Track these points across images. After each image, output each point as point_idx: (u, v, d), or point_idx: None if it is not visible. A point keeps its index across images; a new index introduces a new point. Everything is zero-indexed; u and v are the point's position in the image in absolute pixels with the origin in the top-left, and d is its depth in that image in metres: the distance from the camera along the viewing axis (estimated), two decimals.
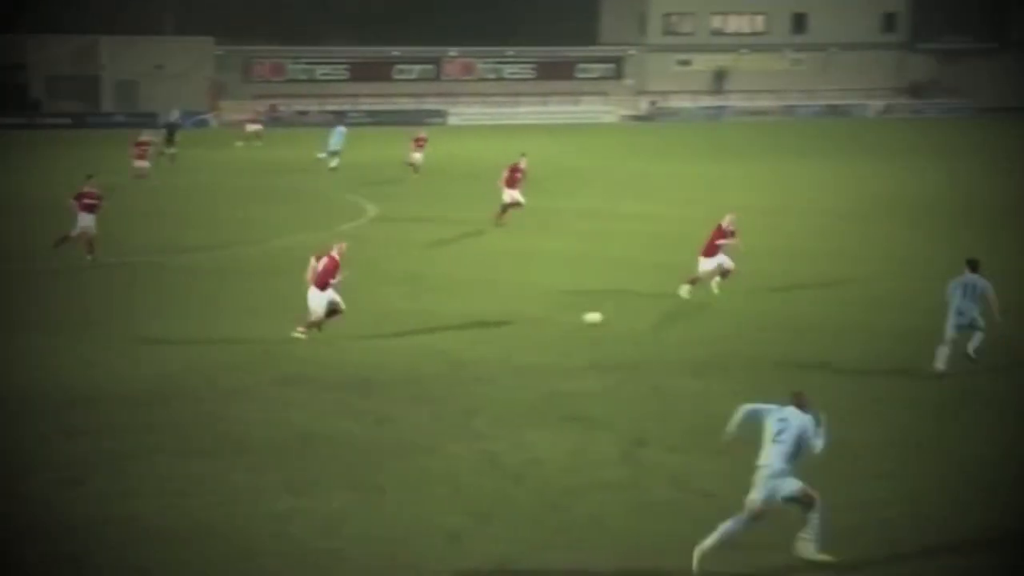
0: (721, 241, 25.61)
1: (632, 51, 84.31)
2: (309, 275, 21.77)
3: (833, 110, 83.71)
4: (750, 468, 12.64)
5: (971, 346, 19.74)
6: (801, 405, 12.87)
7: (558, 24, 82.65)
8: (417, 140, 48.16)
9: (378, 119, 73.85)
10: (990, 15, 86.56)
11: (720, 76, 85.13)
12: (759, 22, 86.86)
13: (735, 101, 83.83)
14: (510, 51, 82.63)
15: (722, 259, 25.65)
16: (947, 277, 20.48)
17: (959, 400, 18.52)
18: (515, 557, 12.86)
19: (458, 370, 20.02)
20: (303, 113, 75.95)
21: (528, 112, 77.33)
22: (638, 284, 26.86)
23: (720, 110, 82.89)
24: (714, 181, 47.47)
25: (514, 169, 35.47)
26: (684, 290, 25.57)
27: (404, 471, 15.21)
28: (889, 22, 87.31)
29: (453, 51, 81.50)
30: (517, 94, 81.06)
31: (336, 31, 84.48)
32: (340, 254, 21.87)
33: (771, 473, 12.51)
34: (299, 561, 12.62)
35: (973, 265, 20.07)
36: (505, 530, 13.54)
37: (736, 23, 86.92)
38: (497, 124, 75.21)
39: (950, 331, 19.71)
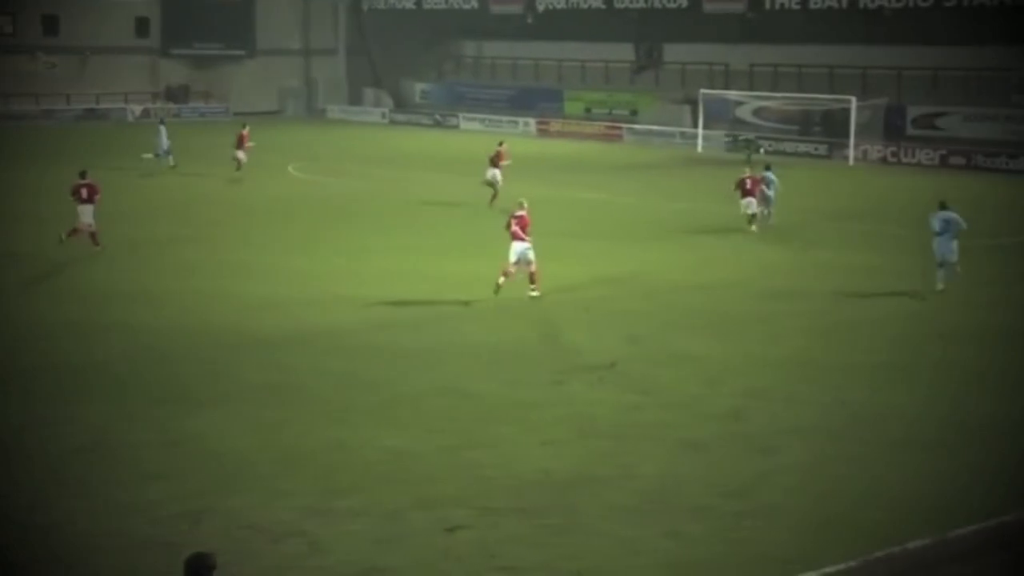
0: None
1: None
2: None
3: (92, 113, 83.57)
4: None
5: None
6: None
7: None
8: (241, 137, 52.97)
9: None
10: (238, 25, 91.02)
11: None
12: (7, 23, 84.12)
13: None
14: None
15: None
16: None
17: None
18: None
19: None
20: None
21: None
22: None
23: None
24: None
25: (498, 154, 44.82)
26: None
27: None
28: (142, 27, 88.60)
29: None
30: None
31: None
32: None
33: None
34: None
35: (943, 204, 30.13)
36: None
37: None
38: None
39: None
